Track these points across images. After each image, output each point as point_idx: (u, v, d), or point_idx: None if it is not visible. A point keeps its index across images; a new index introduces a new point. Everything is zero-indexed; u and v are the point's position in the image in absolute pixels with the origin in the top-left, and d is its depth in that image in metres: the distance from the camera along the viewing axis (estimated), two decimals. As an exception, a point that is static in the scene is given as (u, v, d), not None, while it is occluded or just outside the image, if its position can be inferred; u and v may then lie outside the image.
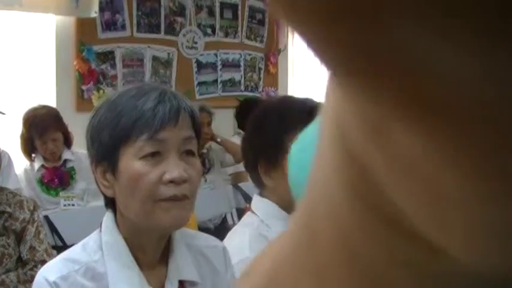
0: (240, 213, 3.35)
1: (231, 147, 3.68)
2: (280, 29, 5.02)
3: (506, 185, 0.10)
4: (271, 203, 1.33)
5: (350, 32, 0.10)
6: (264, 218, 1.33)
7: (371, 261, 0.15)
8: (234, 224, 3.18)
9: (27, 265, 2.10)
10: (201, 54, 4.68)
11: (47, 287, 0.99)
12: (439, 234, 0.12)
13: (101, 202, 1.11)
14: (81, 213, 2.99)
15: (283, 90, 5.17)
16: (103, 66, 4.12)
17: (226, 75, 4.86)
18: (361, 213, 0.14)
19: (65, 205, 3.14)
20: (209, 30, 4.73)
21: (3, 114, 2.42)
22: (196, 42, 4.64)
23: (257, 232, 1.30)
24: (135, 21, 4.28)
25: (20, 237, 2.10)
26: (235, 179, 3.89)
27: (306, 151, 0.81)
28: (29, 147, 3.11)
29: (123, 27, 4.23)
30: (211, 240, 1.18)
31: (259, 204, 1.36)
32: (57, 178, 3.18)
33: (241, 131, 3.86)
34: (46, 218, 2.88)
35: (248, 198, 3.21)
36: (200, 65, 4.69)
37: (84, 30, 3.96)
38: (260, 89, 5.06)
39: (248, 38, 4.96)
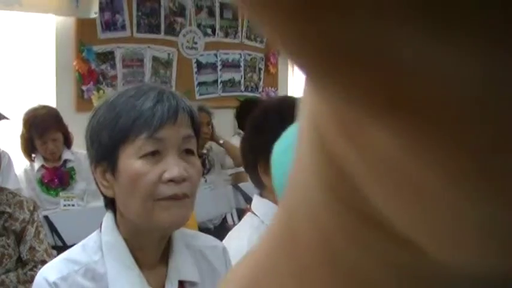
0: (240, 213, 3.35)
1: (232, 151, 3.68)
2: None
3: (498, 185, 0.10)
4: (272, 204, 1.33)
5: (318, 25, 0.10)
6: (264, 219, 1.33)
7: (353, 262, 0.15)
8: (234, 224, 3.18)
9: (27, 265, 2.10)
10: (201, 55, 4.68)
11: None
12: (419, 235, 0.12)
13: (100, 202, 1.11)
14: (81, 214, 2.99)
15: (283, 90, 5.17)
16: (103, 67, 4.12)
17: (226, 76, 4.87)
18: (341, 215, 0.14)
19: (64, 205, 3.14)
20: (209, 31, 4.73)
21: (8, 119, 2.42)
22: (196, 43, 4.64)
23: (257, 234, 1.30)
24: (135, 22, 4.28)
25: (19, 237, 2.10)
26: (236, 180, 3.89)
27: (288, 154, 0.81)
28: (29, 147, 3.11)
29: (123, 27, 4.23)
30: (211, 240, 1.18)
31: (259, 204, 1.36)
32: (57, 178, 3.18)
33: (241, 131, 3.86)
34: (46, 218, 2.88)
35: (248, 199, 3.21)
36: (200, 65, 4.69)
37: (84, 30, 3.96)
38: (260, 89, 5.06)
39: (248, 38, 4.96)
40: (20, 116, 3.05)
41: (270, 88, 5.09)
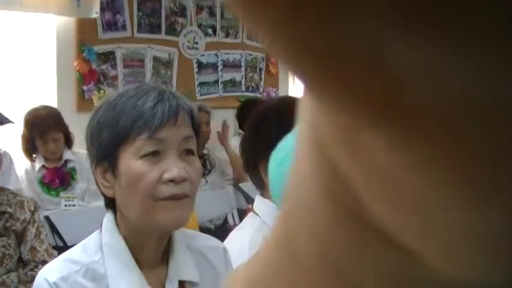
0: (241, 213, 3.35)
1: (236, 163, 3.66)
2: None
3: (505, 191, 0.10)
4: (273, 204, 1.33)
5: (311, 27, 0.10)
6: (266, 219, 1.33)
7: (352, 271, 0.15)
8: (235, 224, 3.18)
9: (28, 265, 2.10)
10: (202, 55, 4.68)
11: (47, 288, 0.99)
12: (419, 246, 0.12)
13: (101, 202, 1.11)
14: (81, 214, 2.99)
15: (284, 90, 5.17)
16: (104, 67, 4.12)
17: (227, 76, 4.86)
18: (342, 225, 0.14)
19: (65, 205, 3.14)
20: (210, 31, 4.73)
21: (13, 123, 2.42)
22: (197, 43, 4.64)
23: (258, 236, 1.30)
24: (135, 22, 4.28)
25: (20, 237, 2.10)
26: (236, 180, 3.89)
27: (285, 164, 0.81)
28: (30, 147, 3.11)
29: (124, 27, 4.23)
30: (212, 240, 1.18)
31: (261, 205, 1.36)
32: (58, 178, 3.18)
33: (242, 131, 3.86)
34: (47, 218, 2.88)
35: (249, 199, 3.21)
36: (201, 66, 4.69)
37: (85, 30, 3.96)
38: (261, 90, 5.06)
39: (249, 38, 4.95)
40: (21, 116, 3.05)
41: (270, 88, 5.09)
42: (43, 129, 3.02)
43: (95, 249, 1.03)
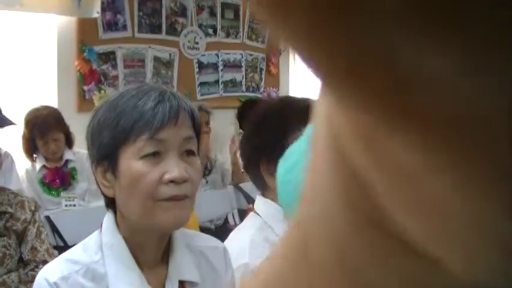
0: (242, 213, 3.35)
1: (237, 169, 3.65)
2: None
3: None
4: (275, 204, 1.33)
5: (333, 28, 0.10)
6: (267, 219, 1.33)
7: (372, 279, 0.15)
8: (236, 224, 3.18)
9: (29, 265, 2.10)
10: (203, 55, 4.68)
11: (47, 288, 0.99)
12: (441, 251, 0.12)
13: (102, 202, 1.11)
14: (82, 214, 2.99)
15: (285, 90, 5.17)
16: (104, 67, 4.12)
17: (228, 76, 4.86)
18: (363, 232, 0.14)
19: (66, 205, 3.14)
20: (210, 31, 4.73)
21: (15, 124, 2.43)
22: (197, 43, 4.64)
23: (259, 236, 1.29)
24: (136, 22, 4.28)
25: (21, 237, 2.10)
26: (237, 180, 3.89)
27: (294, 171, 0.81)
28: (31, 147, 3.11)
29: (125, 27, 4.23)
30: (212, 240, 1.18)
31: (262, 205, 1.36)
32: (58, 178, 3.18)
33: (242, 131, 3.85)
34: (47, 218, 2.88)
35: (249, 199, 3.21)
36: (201, 66, 4.69)
37: (86, 30, 3.96)
38: (261, 90, 5.06)
39: (249, 38, 4.96)
40: (22, 117, 3.05)
41: (271, 88, 5.08)
42: (44, 129, 3.02)
43: (95, 249, 1.03)
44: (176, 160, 0.99)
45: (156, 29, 4.40)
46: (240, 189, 3.64)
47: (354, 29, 0.10)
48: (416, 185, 0.11)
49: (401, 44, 0.09)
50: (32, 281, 1.06)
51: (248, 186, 3.23)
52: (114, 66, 4.18)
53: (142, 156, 0.98)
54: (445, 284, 0.13)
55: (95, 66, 4.06)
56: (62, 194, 3.18)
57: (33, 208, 2.13)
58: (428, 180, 0.11)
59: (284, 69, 5.22)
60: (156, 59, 4.40)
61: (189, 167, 1.01)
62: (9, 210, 2.07)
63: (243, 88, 4.96)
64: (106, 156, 1.00)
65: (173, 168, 0.98)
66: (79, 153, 3.16)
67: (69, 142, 3.18)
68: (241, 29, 4.89)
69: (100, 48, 4.09)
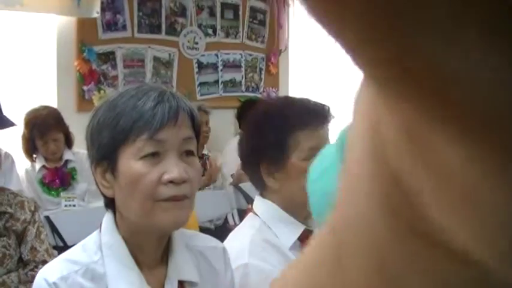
0: (241, 214, 3.35)
1: (238, 174, 3.63)
2: (281, 30, 5.02)
3: None
4: (274, 205, 1.33)
5: (387, 33, 0.10)
6: (266, 220, 1.32)
7: (413, 285, 0.14)
8: (235, 224, 3.18)
9: (28, 266, 2.10)
10: (202, 55, 4.68)
11: (47, 288, 0.99)
12: (485, 254, 0.12)
13: (101, 203, 1.11)
14: (82, 214, 2.99)
15: (284, 90, 5.17)
16: (104, 67, 4.12)
17: (227, 76, 4.86)
18: (404, 240, 0.14)
19: (65, 205, 3.14)
20: (210, 31, 4.72)
21: (16, 125, 2.42)
22: (197, 43, 4.63)
23: (259, 237, 1.29)
24: (136, 22, 4.28)
25: (20, 237, 2.10)
26: (236, 180, 3.89)
27: (324, 177, 0.80)
28: (30, 147, 3.11)
29: (124, 27, 4.22)
30: (211, 240, 1.18)
31: (261, 205, 1.35)
32: (58, 178, 3.18)
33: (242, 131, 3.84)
34: (47, 218, 2.88)
35: (249, 199, 3.21)
36: (201, 66, 4.68)
37: (85, 30, 3.96)
38: (261, 90, 5.05)
39: (249, 38, 4.96)
40: (21, 117, 3.05)
41: (271, 88, 5.08)
42: (43, 129, 3.02)
43: (94, 249, 1.04)
44: (175, 160, 0.99)
45: (155, 29, 4.39)
46: (240, 189, 3.64)
47: (409, 28, 0.10)
48: (459, 180, 0.11)
49: (446, 46, 0.10)
50: (32, 281, 1.06)
51: (248, 186, 3.23)
52: (114, 66, 4.17)
53: (142, 156, 0.98)
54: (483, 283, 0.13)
55: (94, 66, 4.05)
56: (62, 194, 3.17)
57: (32, 208, 2.13)
58: (471, 175, 0.11)
59: (284, 69, 5.22)
60: (156, 59, 4.40)
61: (189, 167, 1.01)
62: (9, 210, 2.07)
63: (243, 88, 4.95)
64: (105, 156, 1.00)
65: (172, 168, 0.98)
66: (79, 153, 3.16)
67: (68, 142, 3.18)
68: (240, 29, 4.89)
69: (100, 48, 4.09)
